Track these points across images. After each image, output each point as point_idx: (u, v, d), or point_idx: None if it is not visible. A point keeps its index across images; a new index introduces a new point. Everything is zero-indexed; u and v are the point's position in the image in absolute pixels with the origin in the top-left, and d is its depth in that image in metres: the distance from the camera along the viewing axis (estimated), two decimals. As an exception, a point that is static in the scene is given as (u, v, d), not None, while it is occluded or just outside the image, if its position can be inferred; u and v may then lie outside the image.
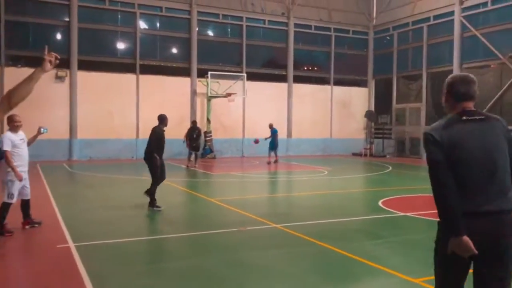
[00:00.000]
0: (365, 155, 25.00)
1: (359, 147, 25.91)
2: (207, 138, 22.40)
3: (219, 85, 22.07)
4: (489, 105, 20.23)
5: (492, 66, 20.77)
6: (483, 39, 20.52)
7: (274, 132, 19.68)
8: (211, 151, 22.53)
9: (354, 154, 25.65)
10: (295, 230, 7.41)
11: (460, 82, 3.02)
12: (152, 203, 9.04)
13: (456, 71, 21.79)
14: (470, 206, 2.76)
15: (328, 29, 26.10)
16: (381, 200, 10.29)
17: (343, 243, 6.67)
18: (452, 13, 22.03)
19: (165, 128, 9.48)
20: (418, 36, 24.21)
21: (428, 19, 23.56)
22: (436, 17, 23.12)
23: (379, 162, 21.26)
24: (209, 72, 21.78)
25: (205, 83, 22.26)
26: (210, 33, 23.96)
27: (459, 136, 2.83)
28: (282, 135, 24.56)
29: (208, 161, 21.12)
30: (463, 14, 21.58)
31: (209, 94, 22.12)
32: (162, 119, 9.41)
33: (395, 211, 9.09)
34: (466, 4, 21.51)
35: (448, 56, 22.34)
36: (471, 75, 3.07)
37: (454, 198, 2.74)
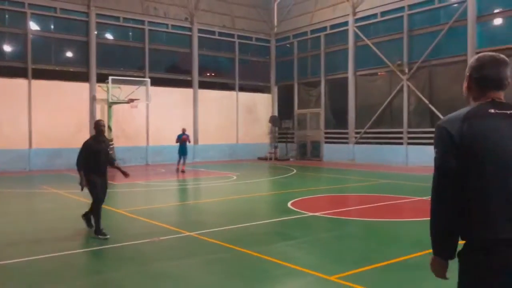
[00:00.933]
0: (270, 159, 25.64)
1: (264, 152, 26.52)
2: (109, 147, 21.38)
3: (121, 91, 21.20)
4: (379, 110, 21.88)
5: (381, 73, 22.48)
6: (374, 48, 22.16)
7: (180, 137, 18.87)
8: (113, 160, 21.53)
9: (260, 159, 26.19)
10: (209, 237, 7.32)
11: (489, 65, 2.24)
12: (97, 231, 7.30)
13: (351, 78, 23.31)
14: (490, 232, 2.08)
15: (232, 35, 26.42)
16: (290, 202, 10.58)
17: (259, 246, 6.72)
18: (346, 23, 23.52)
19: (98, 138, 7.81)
20: (316, 45, 25.47)
21: (325, 28, 24.90)
22: (332, 26, 24.52)
23: (284, 166, 21.92)
24: (110, 77, 20.83)
25: (106, 89, 21.25)
26: (110, 36, 22.95)
27: (482, 135, 2.11)
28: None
29: (110, 171, 20.09)
30: (356, 25, 23.14)
31: (110, 100, 21.14)
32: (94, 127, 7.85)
33: (304, 212, 9.40)
34: (358, 15, 23.10)
35: (343, 64, 23.78)
36: (502, 56, 2.27)
37: (450, 219, 2.16)
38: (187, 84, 24.73)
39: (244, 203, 11.31)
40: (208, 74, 26.26)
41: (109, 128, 21.55)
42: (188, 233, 7.58)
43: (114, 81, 20.87)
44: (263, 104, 27.72)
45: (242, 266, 5.88)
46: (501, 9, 18.15)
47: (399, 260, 5.94)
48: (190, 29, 24.75)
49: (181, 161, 18.59)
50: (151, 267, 5.83)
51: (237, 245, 6.68)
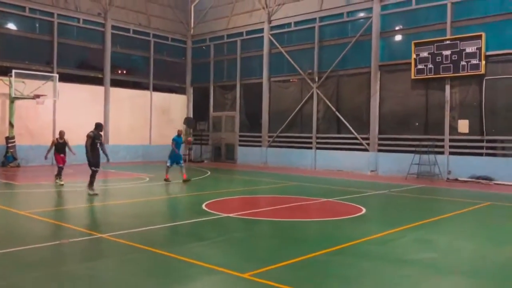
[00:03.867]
0: (184, 160, 25.46)
1: (178, 153, 26.29)
2: (9, 145, 19.95)
3: (25, 86, 19.88)
4: (291, 115, 22.81)
5: (294, 80, 23.43)
6: (287, 56, 23.06)
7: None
8: (14, 158, 20.12)
9: (173, 160, 25.93)
10: (122, 238, 7.24)
11: None
12: None
13: (265, 83, 24.02)
14: None
15: (147, 34, 25.93)
16: (205, 203, 10.73)
17: (173, 247, 6.80)
18: (262, 30, 24.21)
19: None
20: (232, 49, 25.87)
21: (241, 33, 25.39)
22: (248, 32, 25.08)
23: (198, 167, 21.97)
24: (13, 71, 19.45)
25: (8, 82, 19.80)
26: (14, 27, 21.41)
27: None
28: (98, 141, 23.53)
29: (11, 170, 18.81)
30: (271, 32, 23.91)
31: (13, 95, 19.74)
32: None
33: (218, 213, 9.61)
34: (273, 23, 23.88)
35: (259, 69, 24.44)
36: None
37: None
38: (98, 81, 23.82)
39: (158, 205, 11.25)
40: (121, 72, 25.51)
41: (11, 124, 20.13)
42: (100, 235, 7.43)
43: (17, 75, 19.53)
44: (177, 105, 27.52)
45: (156, 266, 5.93)
46: (401, 27, 19.85)
47: (307, 257, 6.36)
48: (103, 25, 23.88)
49: (180, 167, 15.62)
50: (61, 270, 5.67)
51: (151, 246, 6.70)
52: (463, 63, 17.50)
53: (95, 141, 11.95)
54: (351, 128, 20.76)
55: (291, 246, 7.14)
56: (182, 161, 15.95)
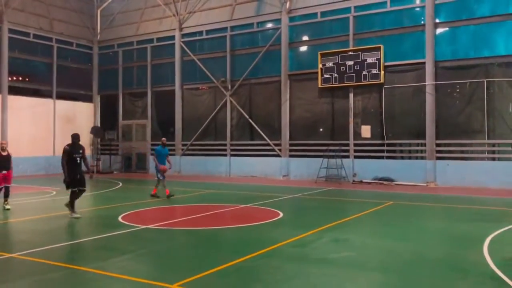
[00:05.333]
0: (92, 172, 24.34)
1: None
2: None
3: None
4: (205, 123, 22.85)
5: (206, 88, 23.51)
6: (200, 64, 23.10)
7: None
8: None
9: (81, 172, 24.63)
10: (35, 257, 6.79)
11: None
12: None
13: (178, 91, 23.81)
14: None
15: (50, 39, 24.44)
16: (121, 216, 10.40)
17: (93, 262, 6.53)
18: (173, 37, 24.00)
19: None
20: (142, 56, 25.31)
21: (151, 40, 24.95)
22: (159, 39, 24.71)
23: (108, 179, 21.12)
24: None
25: None
26: None
27: None
28: (-5, 153, 21.61)
29: None
30: (183, 40, 23.79)
31: None
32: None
33: (136, 225, 9.37)
34: (185, 31, 23.80)
35: (171, 77, 24.16)
36: None
37: None
38: (-6, 88, 21.95)
39: (70, 219, 10.65)
40: (20, 79, 23.72)
41: None
42: (9, 255, 6.89)
43: None
44: (84, 114, 26.24)
45: (77, 284, 5.66)
46: (307, 38, 20.85)
47: (233, 263, 6.46)
48: (-2, 28, 22.11)
49: (162, 182, 14.11)
50: (-31, 296, 5.19)
51: (69, 263, 6.38)
52: (364, 72, 18.85)
53: (73, 156, 10.14)
54: (263, 135, 21.32)
55: (215, 253, 7.20)
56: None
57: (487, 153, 17.06)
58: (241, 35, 22.51)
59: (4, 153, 11.72)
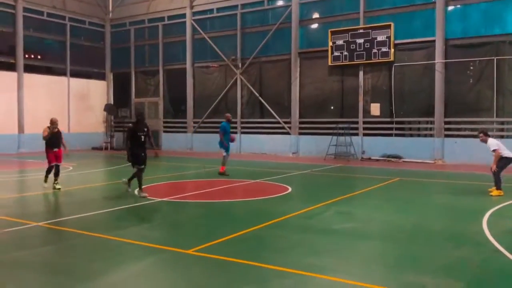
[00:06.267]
0: (106, 148, 24.98)
1: (99, 141, 25.67)
2: None
3: None
4: (216, 101, 23.19)
5: (217, 66, 23.75)
6: (210, 42, 23.30)
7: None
8: None
9: (94, 148, 25.28)
10: (60, 225, 7.30)
11: None
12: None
13: (189, 69, 24.10)
14: None
15: (63, 17, 24.75)
16: (136, 190, 10.88)
17: (114, 231, 7.01)
18: (184, 15, 24.16)
19: None
20: (154, 34, 25.53)
21: (162, 18, 25.12)
22: (170, 17, 24.88)
23: (122, 155, 21.63)
24: None
25: None
26: None
27: None
28: (13, 130, 22.29)
29: None
30: (193, 18, 23.95)
31: None
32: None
33: (152, 198, 9.85)
34: (196, 9, 23.94)
35: (182, 55, 24.42)
36: None
37: None
38: (11, 67, 22.44)
39: (88, 192, 11.18)
40: (34, 57, 24.16)
41: None
42: (35, 223, 7.41)
43: None
44: (97, 92, 26.69)
45: (101, 250, 6.15)
46: (318, 16, 20.91)
47: (243, 232, 6.91)
48: (13, 7, 22.44)
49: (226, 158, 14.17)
50: (6, 257, 5.70)
51: (92, 231, 6.86)
52: (374, 50, 18.94)
53: (137, 134, 9.96)
54: (273, 113, 21.62)
55: (227, 224, 7.65)
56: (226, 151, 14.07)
57: (495, 131, 17.20)
58: (251, 13, 22.60)
59: (55, 130, 11.25)
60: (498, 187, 10.13)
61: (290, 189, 11.16)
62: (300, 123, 21.11)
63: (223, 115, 20.29)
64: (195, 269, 5.35)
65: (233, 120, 22.72)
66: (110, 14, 27.12)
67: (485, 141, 10.38)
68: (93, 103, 26.15)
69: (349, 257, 5.83)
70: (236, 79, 22.70)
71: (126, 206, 9.15)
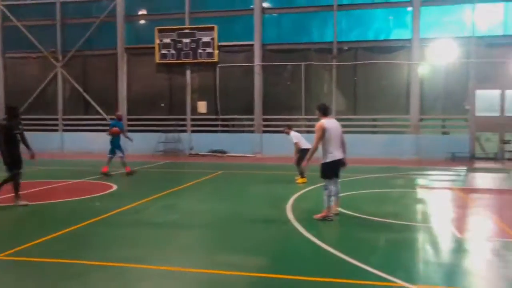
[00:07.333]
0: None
1: None
2: None
3: None
4: (32, 96, 21.33)
5: (34, 58, 21.83)
6: (25, 31, 21.28)
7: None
8: None
9: None
10: None
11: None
12: None
13: (-1, 59, 21.63)
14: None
15: None
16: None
17: None
18: (-9, 0, 21.57)
19: None
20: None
21: (-36, 1, 22.01)
22: (-26, 0, 21.94)
23: None
24: None
25: None
26: None
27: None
28: None
29: None
30: (4, 3, 21.55)
31: None
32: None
33: None
34: (6, -6, 21.61)
35: (-11, 44, 21.79)
36: None
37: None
38: None
39: None
40: None
41: None
42: None
43: None
44: None
45: None
46: (145, 12, 20.85)
47: (64, 232, 6.73)
48: None
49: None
50: None
51: None
52: (200, 51, 19.76)
53: (12, 132, 8.57)
54: (99, 109, 20.86)
55: (45, 225, 7.32)
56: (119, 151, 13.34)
57: (304, 127, 19.57)
58: (73, 3, 21.39)
59: None
60: (302, 176, 11.68)
61: (115, 187, 11.07)
62: (129, 120, 20.81)
63: (43, 111, 18.83)
64: (7, 274, 5.10)
65: (54, 117, 21.30)
66: None
67: (289, 134, 11.90)
68: None
69: (168, 246, 6.20)
70: (57, 72, 21.22)
71: None
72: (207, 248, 6.17)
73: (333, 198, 7.60)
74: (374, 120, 19.17)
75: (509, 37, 17.65)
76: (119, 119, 13.94)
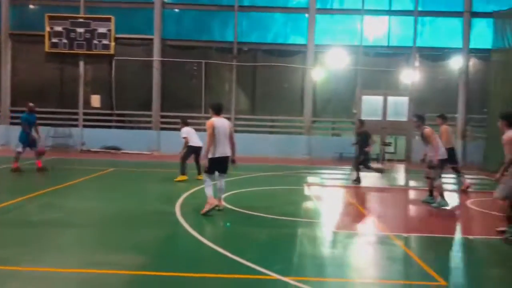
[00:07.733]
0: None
1: None
2: None
3: None
4: None
5: None
6: None
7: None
8: None
9: None
10: None
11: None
12: None
13: None
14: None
15: None
16: None
17: None
18: None
19: None
20: None
21: None
22: None
23: None
24: None
25: None
26: None
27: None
28: None
29: None
30: None
31: None
32: None
33: None
34: None
35: None
36: None
37: None
38: None
39: None
40: None
41: None
42: None
43: None
44: None
45: None
46: (34, -3, 19.36)
47: None
48: None
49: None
50: None
51: None
52: (95, 42, 18.85)
53: None
54: (-22, 99, 18.99)
55: None
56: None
57: (204, 125, 19.55)
58: None
59: None
60: (183, 173, 11.70)
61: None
62: (12, 111, 19.19)
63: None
64: None
65: None
66: None
67: (180, 130, 11.94)
68: None
69: (42, 246, 5.84)
70: None
71: None
72: (86, 247, 5.92)
73: (217, 193, 7.93)
74: (272, 120, 19.78)
75: (393, 47, 19.29)
76: (31, 110, 12.62)
